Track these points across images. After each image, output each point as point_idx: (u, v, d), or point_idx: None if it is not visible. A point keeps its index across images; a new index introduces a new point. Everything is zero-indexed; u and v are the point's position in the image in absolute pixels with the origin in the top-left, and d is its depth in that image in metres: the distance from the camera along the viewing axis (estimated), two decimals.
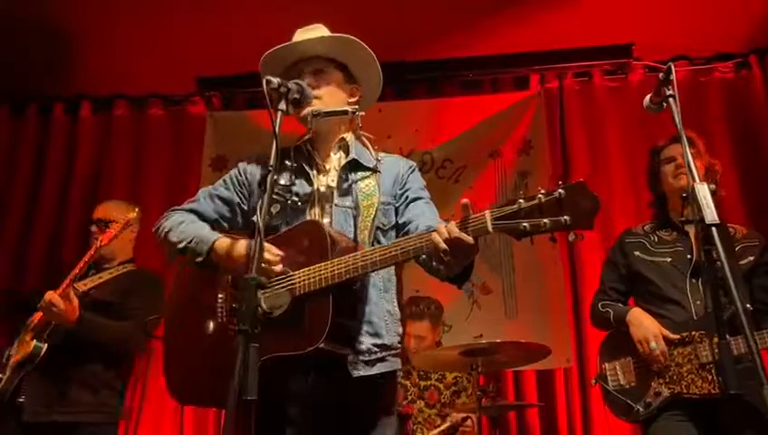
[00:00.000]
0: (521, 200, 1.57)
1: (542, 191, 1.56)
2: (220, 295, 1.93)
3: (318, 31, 2.09)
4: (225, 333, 1.88)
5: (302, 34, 2.09)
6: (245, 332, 1.48)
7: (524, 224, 1.55)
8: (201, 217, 2.04)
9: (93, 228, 3.22)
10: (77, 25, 4.44)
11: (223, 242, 1.88)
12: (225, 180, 2.12)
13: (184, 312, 2.03)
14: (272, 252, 1.79)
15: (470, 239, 1.61)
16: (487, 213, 1.61)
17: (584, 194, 1.53)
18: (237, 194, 2.07)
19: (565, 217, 1.52)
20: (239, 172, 2.11)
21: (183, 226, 1.97)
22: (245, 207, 2.07)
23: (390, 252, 1.70)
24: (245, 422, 1.51)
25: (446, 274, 1.80)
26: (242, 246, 1.85)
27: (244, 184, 2.08)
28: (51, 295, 2.83)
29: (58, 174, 4.93)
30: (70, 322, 2.85)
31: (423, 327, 3.71)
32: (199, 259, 1.90)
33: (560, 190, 1.53)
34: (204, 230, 1.95)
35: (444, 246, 1.62)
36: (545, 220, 1.53)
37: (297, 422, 1.87)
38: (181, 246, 1.92)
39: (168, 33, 4.40)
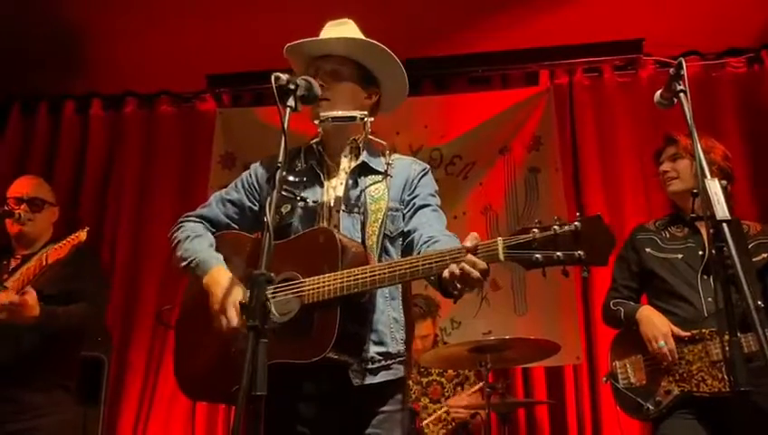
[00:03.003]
0: (535, 230, 1.54)
1: (558, 222, 1.53)
2: None
3: (345, 27, 2.09)
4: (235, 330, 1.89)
5: (330, 29, 2.08)
6: (255, 327, 1.48)
7: (537, 255, 1.53)
8: (211, 222, 2.08)
9: (23, 207, 3.04)
10: (87, 24, 4.45)
11: (214, 275, 1.89)
12: (236, 183, 2.14)
13: (195, 309, 2.03)
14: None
15: (485, 266, 1.59)
16: (500, 241, 1.58)
17: (600, 229, 1.50)
18: (247, 196, 2.09)
19: (580, 251, 1.50)
20: (249, 175, 2.12)
21: (188, 242, 1.99)
22: (256, 208, 2.08)
23: (400, 271, 1.69)
24: (255, 418, 1.51)
25: (441, 290, 1.79)
26: (233, 289, 1.85)
27: (253, 186, 2.10)
28: (8, 296, 2.65)
29: (69, 171, 4.95)
30: (32, 319, 2.71)
31: (427, 326, 3.72)
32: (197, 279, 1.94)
33: (576, 223, 1.51)
34: (205, 251, 1.96)
35: (458, 273, 1.59)
36: (559, 253, 1.51)
37: (308, 421, 1.88)
38: (184, 264, 1.97)
39: (177, 30, 4.41)
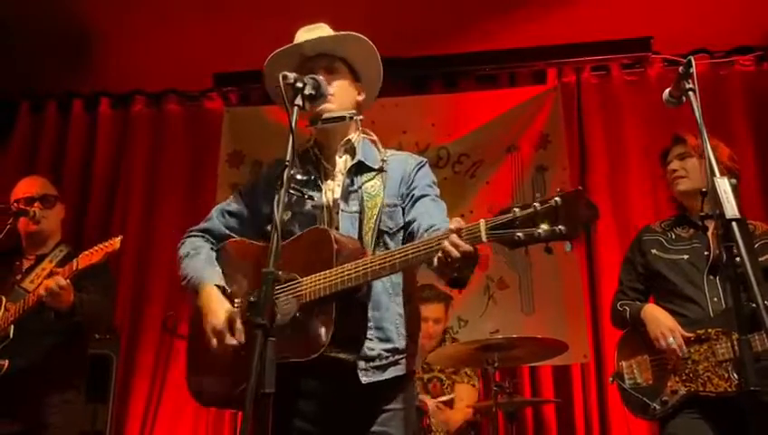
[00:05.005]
0: (516, 209, 1.53)
1: (539, 199, 1.52)
2: (237, 300, 1.95)
3: (321, 30, 2.09)
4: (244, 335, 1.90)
5: (305, 34, 2.08)
6: (263, 326, 1.49)
7: (519, 234, 1.51)
8: (213, 234, 2.11)
9: (36, 205, 3.06)
10: (96, 23, 4.47)
11: (205, 295, 1.94)
12: (235, 194, 2.16)
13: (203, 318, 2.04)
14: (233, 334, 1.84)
15: (469, 248, 1.59)
16: (482, 222, 1.58)
17: (581, 202, 1.48)
18: (247, 206, 2.11)
19: (560, 226, 1.47)
20: (249, 185, 2.15)
21: (187, 259, 2.05)
22: (257, 219, 2.09)
23: (391, 261, 1.70)
24: (263, 416, 1.51)
25: (447, 280, 1.79)
26: (219, 310, 1.89)
27: (253, 194, 2.11)
28: (57, 280, 2.70)
29: (77, 169, 4.98)
30: (68, 303, 2.76)
31: (439, 309, 3.72)
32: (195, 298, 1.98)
33: (556, 199, 1.49)
34: (200, 266, 2.01)
35: (445, 262, 1.60)
36: (539, 230, 1.49)
37: (310, 419, 1.88)
38: (183, 283, 2.03)
39: (184, 29, 4.43)
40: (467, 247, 1.58)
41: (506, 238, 1.54)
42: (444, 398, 3.53)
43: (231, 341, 1.83)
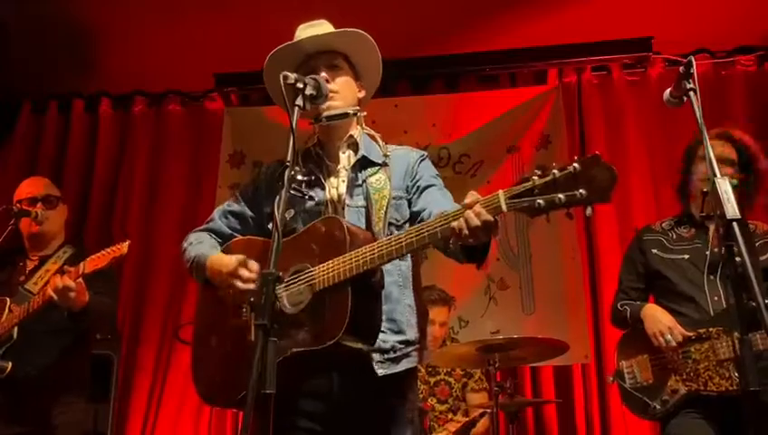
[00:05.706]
0: (535, 177, 1.51)
1: (557, 167, 1.51)
2: (243, 304, 1.93)
3: (321, 26, 2.08)
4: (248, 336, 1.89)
5: (305, 30, 2.08)
6: (264, 326, 1.49)
7: (539, 201, 1.50)
8: (216, 234, 2.12)
9: (39, 205, 3.05)
10: (97, 24, 4.48)
11: (213, 259, 1.97)
12: (236, 195, 2.17)
13: (209, 319, 2.05)
14: (249, 268, 1.87)
15: (490, 217, 1.57)
16: (501, 192, 1.56)
17: (600, 166, 1.46)
18: (248, 206, 2.11)
19: (581, 190, 1.46)
20: (250, 186, 2.16)
21: (191, 247, 2.07)
22: (259, 218, 2.09)
23: (407, 240, 1.68)
24: (264, 416, 1.51)
25: (464, 255, 1.77)
26: (227, 260, 1.91)
27: (254, 194, 2.11)
28: (65, 280, 2.66)
29: (78, 170, 4.98)
30: (83, 303, 2.75)
31: (444, 312, 3.72)
32: (201, 278, 2.01)
33: (574, 165, 1.48)
34: (205, 249, 2.03)
35: (466, 231, 1.58)
36: (560, 196, 1.48)
37: (319, 419, 1.87)
38: (188, 266, 2.05)
39: (186, 29, 4.43)
40: (489, 217, 1.56)
41: (527, 206, 1.52)
42: (465, 420, 3.50)
43: (249, 275, 1.84)
